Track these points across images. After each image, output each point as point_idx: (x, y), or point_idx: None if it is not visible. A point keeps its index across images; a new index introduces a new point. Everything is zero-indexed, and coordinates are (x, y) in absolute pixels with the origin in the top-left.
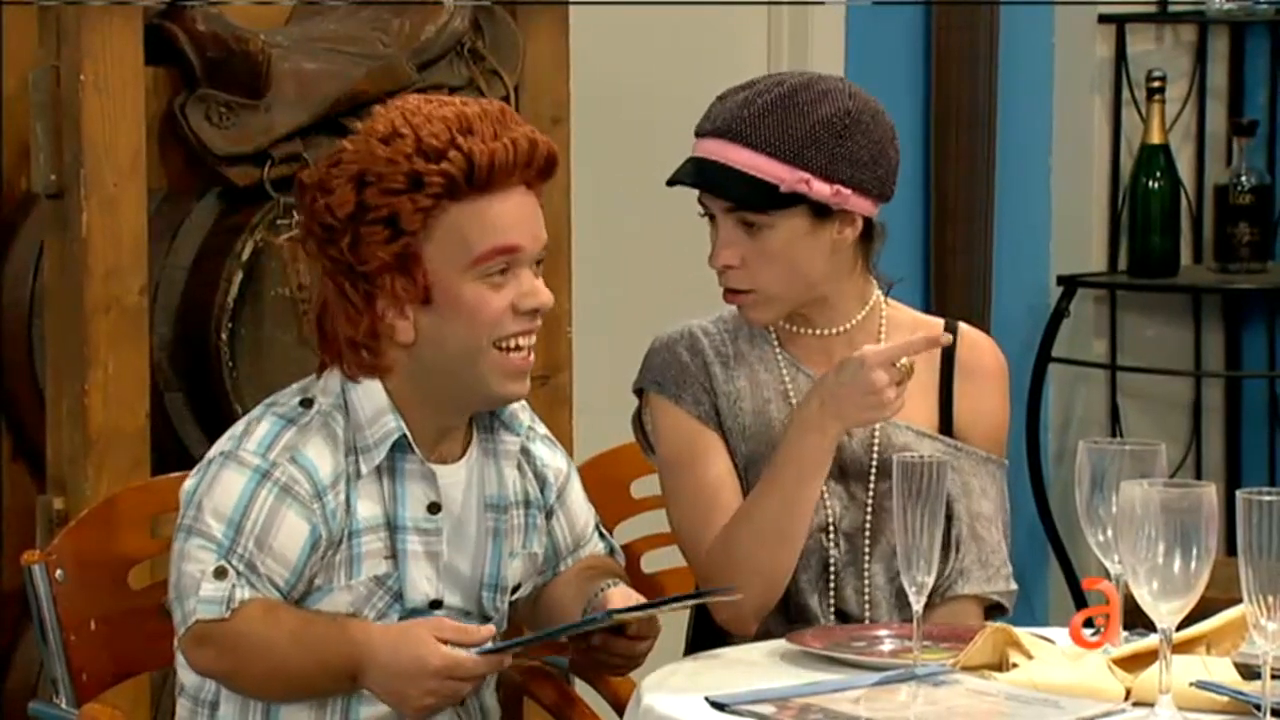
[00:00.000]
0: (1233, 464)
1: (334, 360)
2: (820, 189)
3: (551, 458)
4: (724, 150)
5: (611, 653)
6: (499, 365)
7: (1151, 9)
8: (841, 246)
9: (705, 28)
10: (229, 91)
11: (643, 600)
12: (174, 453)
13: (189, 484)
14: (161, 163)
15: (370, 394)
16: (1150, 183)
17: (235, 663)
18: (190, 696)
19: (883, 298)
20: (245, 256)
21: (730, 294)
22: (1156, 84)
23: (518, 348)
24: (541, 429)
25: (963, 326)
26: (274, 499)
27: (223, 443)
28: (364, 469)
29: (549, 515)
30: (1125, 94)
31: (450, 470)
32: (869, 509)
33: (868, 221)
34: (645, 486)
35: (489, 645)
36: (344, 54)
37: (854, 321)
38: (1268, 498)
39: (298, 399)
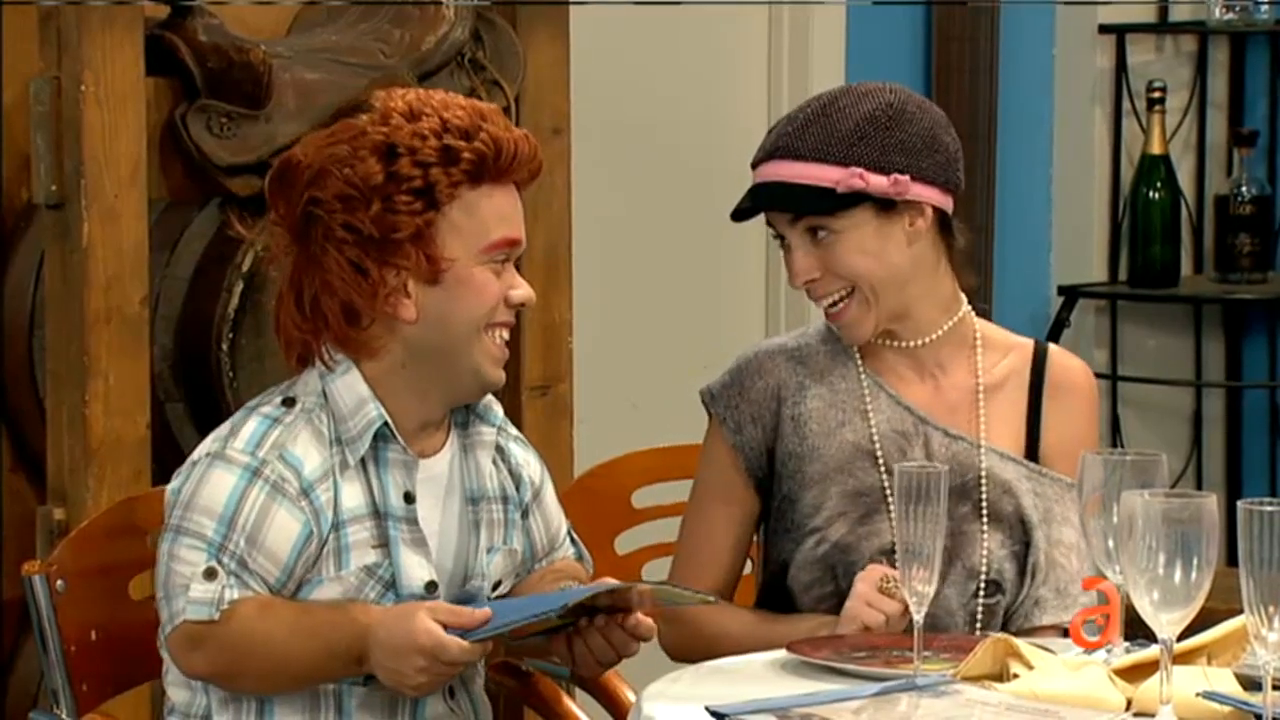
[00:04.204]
0: (1233, 474)
1: (307, 351)
2: (877, 182)
3: (525, 458)
4: (776, 169)
5: (610, 642)
6: (488, 349)
7: (1152, 19)
8: (917, 237)
9: (705, 31)
10: (230, 102)
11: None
12: (175, 463)
13: (174, 485)
14: (162, 173)
15: (350, 385)
16: (1151, 193)
17: (232, 662)
18: (181, 714)
19: (972, 313)
20: (246, 267)
21: (830, 312)
22: (1157, 94)
23: (501, 336)
24: (513, 430)
25: (1053, 347)
26: (265, 496)
27: (208, 444)
28: (350, 460)
29: (525, 515)
30: (1126, 104)
31: (431, 463)
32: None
33: (942, 215)
34: (646, 497)
35: (480, 632)
36: (345, 64)
37: (940, 332)
38: (1268, 508)
39: (279, 398)
